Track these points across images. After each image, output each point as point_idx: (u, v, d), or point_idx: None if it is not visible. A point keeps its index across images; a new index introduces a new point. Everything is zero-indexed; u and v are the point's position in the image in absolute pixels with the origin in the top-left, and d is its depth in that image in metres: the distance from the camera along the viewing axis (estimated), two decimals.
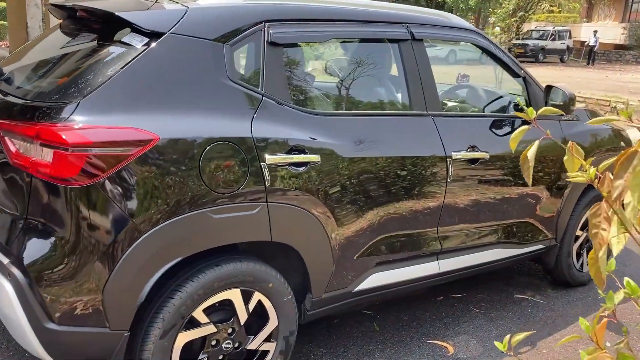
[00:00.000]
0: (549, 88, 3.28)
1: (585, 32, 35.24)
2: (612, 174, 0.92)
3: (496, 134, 3.13)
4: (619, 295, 1.11)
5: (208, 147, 2.11)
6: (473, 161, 2.95)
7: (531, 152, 1.07)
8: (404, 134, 2.75)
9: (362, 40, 2.90)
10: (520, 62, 3.49)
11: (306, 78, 2.73)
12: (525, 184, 3.23)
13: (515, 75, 3.32)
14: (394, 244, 2.78)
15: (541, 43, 30.10)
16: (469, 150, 2.93)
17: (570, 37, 31.90)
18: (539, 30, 32.38)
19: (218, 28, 2.29)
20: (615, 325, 1.16)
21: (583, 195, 3.61)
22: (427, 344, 3.09)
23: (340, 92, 2.94)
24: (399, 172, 2.67)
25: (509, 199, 3.20)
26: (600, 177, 0.97)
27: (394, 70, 2.99)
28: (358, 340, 3.10)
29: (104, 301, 2.03)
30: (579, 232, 3.72)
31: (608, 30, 33.52)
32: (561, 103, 3.22)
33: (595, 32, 30.36)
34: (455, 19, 3.17)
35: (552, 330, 3.32)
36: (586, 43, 30.74)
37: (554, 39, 30.75)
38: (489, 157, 3.01)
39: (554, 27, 32.45)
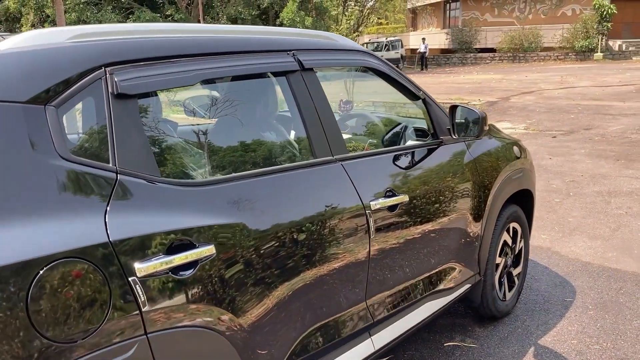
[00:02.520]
0: (453, 109, 2.86)
1: (414, 40, 37.66)
2: None
3: (409, 169, 2.64)
4: None
5: (40, 273, 1.32)
6: (392, 208, 2.42)
7: None
8: (315, 190, 2.13)
9: (243, 77, 2.23)
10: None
11: (178, 136, 2.01)
12: (446, 221, 2.78)
13: (414, 97, 2.87)
14: (322, 335, 2.14)
15: (377, 54, 31.41)
16: (387, 195, 2.40)
17: (402, 46, 33.80)
18: (374, 42, 33.91)
19: (32, 83, 1.50)
20: None
21: (499, 217, 3.26)
22: None
23: (227, 149, 2.23)
24: (317, 241, 2.05)
25: (434, 243, 2.73)
26: None
27: (287, 111, 2.37)
28: None
29: None
30: (498, 260, 3.37)
31: (434, 36, 36.11)
32: (472, 125, 2.82)
33: (424, 39, 32.48)
34: (342, 40, 2.63)
35: None
36: (418, 50, 32.72)
37: (388, 50, 32.33)
38: (408, 199, 2.50)
39: (386, 38, 34.17)
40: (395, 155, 2.63)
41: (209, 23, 29.13)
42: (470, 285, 3.12)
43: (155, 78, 1.74)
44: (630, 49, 30.85)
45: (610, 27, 30.29)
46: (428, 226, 2.65)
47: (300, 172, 2.12)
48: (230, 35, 2.12)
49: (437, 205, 2.70)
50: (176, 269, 1.58)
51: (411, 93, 2.84)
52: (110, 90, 1.63)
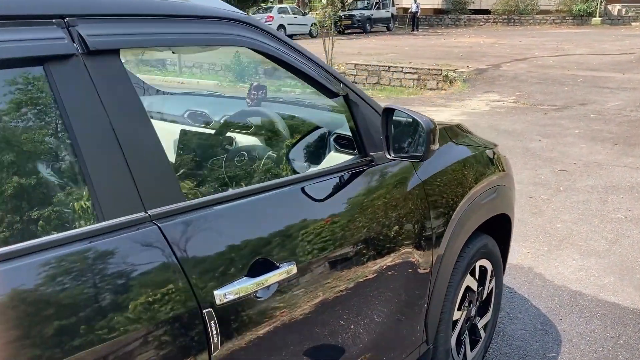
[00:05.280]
0: (388, 113, 1.85)
1: None
2: None
3: (308, 214, 1.65)
4: None
5: None
6: (263, 293, 1.44)
7: None
8: (97, 286, 1.13)
9: None
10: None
11: None
12: (370, 291, 1.82)
13: (329, 93, 1.85)
14: None
15: (367, 13, 29.92)
16: (253, 270, 1.41)
17: (393, 5, 32.22)
18: (363, 0, 32.28)
19: None
20: None
21: (460, 259, 2.30)
22: None
23: None
24: None
25: (346, 331, 1.77)
26: None
27: (48, 145, 1.31)
28: None
29: None
30: (456, 315, 2.43)
31: None
32: (417, 137, 1.82)
33: None
34: None
35: None
36: (409, 10, 31.20)
37: (378, 8, 30.79)
38: (296, 270, 1.52)
39: None
40: (285, 190, 1.63)
41: None
42: None
43: None
44: (630, 14, 29.49)
45: None
46: (337, 307, 1.68)
47: (65, 252, 1.11)
48: None
49: (354, 268, 1.73)
50: None
51: (324, 87, 1.82)
52: None
